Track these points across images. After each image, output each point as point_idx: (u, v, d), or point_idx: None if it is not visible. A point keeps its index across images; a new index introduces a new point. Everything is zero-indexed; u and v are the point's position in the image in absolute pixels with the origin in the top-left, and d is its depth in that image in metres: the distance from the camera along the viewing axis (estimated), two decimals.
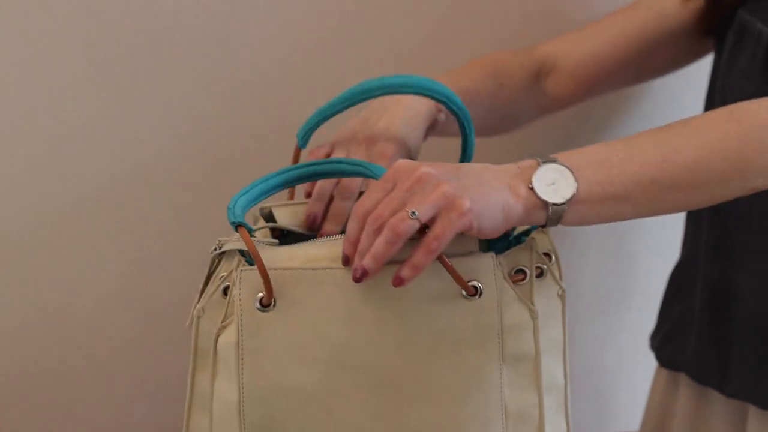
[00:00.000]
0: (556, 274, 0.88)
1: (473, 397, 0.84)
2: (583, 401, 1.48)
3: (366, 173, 0.89)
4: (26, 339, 1.23)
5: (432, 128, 1.05)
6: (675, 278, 1.22)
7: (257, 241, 0.85)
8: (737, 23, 1.08)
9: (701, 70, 1.21)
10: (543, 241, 0.88)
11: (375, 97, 0.97)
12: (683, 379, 1.18)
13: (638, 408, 1.34)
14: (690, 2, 1.13)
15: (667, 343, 1.20)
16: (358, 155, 0.99)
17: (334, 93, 1.20)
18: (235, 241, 0.86)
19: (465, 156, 1.01)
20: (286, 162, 1.20)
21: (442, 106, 1.03)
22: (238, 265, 0.85)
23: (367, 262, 0.79)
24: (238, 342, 0.84)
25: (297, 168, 0.91)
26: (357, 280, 0.80)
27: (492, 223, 0.80)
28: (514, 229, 0.89)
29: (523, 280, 0.86)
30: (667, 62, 1.19)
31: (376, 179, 0.85)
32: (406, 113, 1.02)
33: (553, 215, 0.82)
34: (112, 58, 1.16)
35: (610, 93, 1.23)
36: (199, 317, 0.87)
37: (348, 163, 0.90)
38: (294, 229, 0.97)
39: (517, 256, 0.86)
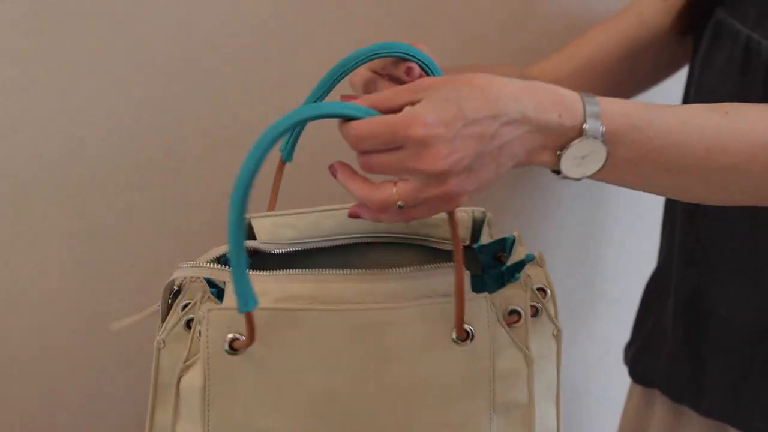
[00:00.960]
0: (552, 312, 0.83)
1: None
2: None
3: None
4: None
5: None
6: (651, 286, 1.19)
7: (220, 269, 0.79)
8: (714, 21, 1.06)
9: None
10: (538, 276, 0.82)
11: (353, 68, 0.87)
12: (658, 396, 1.15)
13: (608, 422, 1.31)
14: (667, 2, 1.11)
15: (640, 357, 1.18)
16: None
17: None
18: (193, 268, 0.80)
19: None
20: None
21: None
22: (203, 298, 0.80)
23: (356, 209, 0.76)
24: (205, 386, 0.78)
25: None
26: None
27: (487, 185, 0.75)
28: (505, 262, 0.83)
29: (517, 322, 0.80)
30: (652, 72, 1.17)
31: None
32: None
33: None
34: (56, 43, 1.08)
35: None
36: (159, 350, 0.82)
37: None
38: (266, 248, 0.90)
39: (511, 296, 0.80)
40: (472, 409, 0.78)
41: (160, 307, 0.82)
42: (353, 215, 0.75)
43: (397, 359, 0.77)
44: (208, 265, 0.80)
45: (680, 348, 1.10)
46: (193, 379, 0.79)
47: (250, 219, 0.90)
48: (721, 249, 1.06)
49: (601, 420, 1.43)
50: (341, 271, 0.79)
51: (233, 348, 0.77)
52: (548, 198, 1.31)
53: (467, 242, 0.95)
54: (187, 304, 0.82)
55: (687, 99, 1.12)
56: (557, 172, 0.77)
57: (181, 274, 0.80)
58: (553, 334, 0.83)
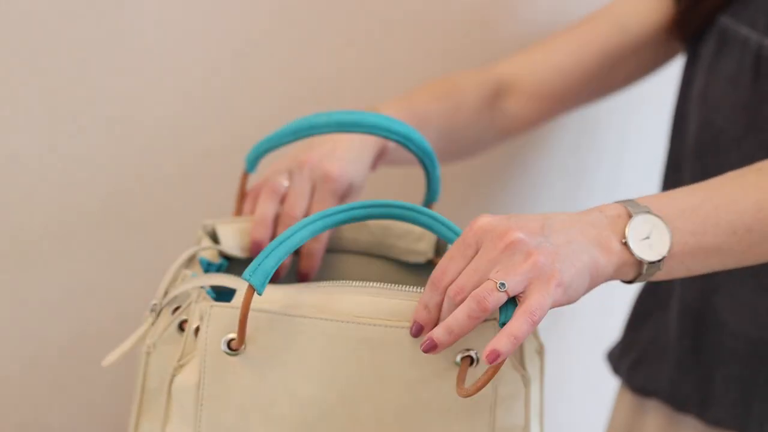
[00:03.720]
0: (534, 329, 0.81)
1: None
2: None
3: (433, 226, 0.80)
4: None
5: (382, 156, 0.99)
6: (642, 303, 1.17)
7: (226, 276, 0.79)
8: (717, 28, 1.05)
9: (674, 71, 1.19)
10: None
11: (323, 133, 0.90)
12: (653, 405, 1.13)
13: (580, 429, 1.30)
14: (654, 15, 1.10)
15: (638, 368, 1.15)
16: (301, 178, 0.93)
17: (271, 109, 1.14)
18: (193, 279, 0.81)
19: (430, 194, 0.95)
20: (220, 192, 1.13)
21: None
22: (198, 298, 0.79)
23: (440, 333, 0.72)
24: (199, 384, 0.77)
25: (343, 211, 0.80)
26: (425, 351, 0.73)
27: (579, 292, 0.75)
28: None
29: None
30: (631, 75, 1.15)
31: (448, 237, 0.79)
32: (352, 137, 0.96)
33: (646, 273, 0.77)
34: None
35: (573, 111, 1.19)
36: (149, 354, 0.81)
37: (410, 209, 0.80)
38: (239, 255, 0.91)
39: None
40: None
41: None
42: (494, 356, 0.71)
43: (395, 380, 0.76)
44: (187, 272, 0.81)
45: (686, 358, 1.09)
46: (187, 377, 0.78)
47: (214, 225, 0.91)
48: None
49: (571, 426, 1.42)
50: (348, 283, 0.79)
51: (231, 348, 0.76)
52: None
53: (430, 256, 0.95)
54: (177, 308, 0.81)
55: (684, 110, 1.10)
56: (639, 263, 0.77)
57: (183, 288, 0.80)
58: (536, 351, 0.81)
